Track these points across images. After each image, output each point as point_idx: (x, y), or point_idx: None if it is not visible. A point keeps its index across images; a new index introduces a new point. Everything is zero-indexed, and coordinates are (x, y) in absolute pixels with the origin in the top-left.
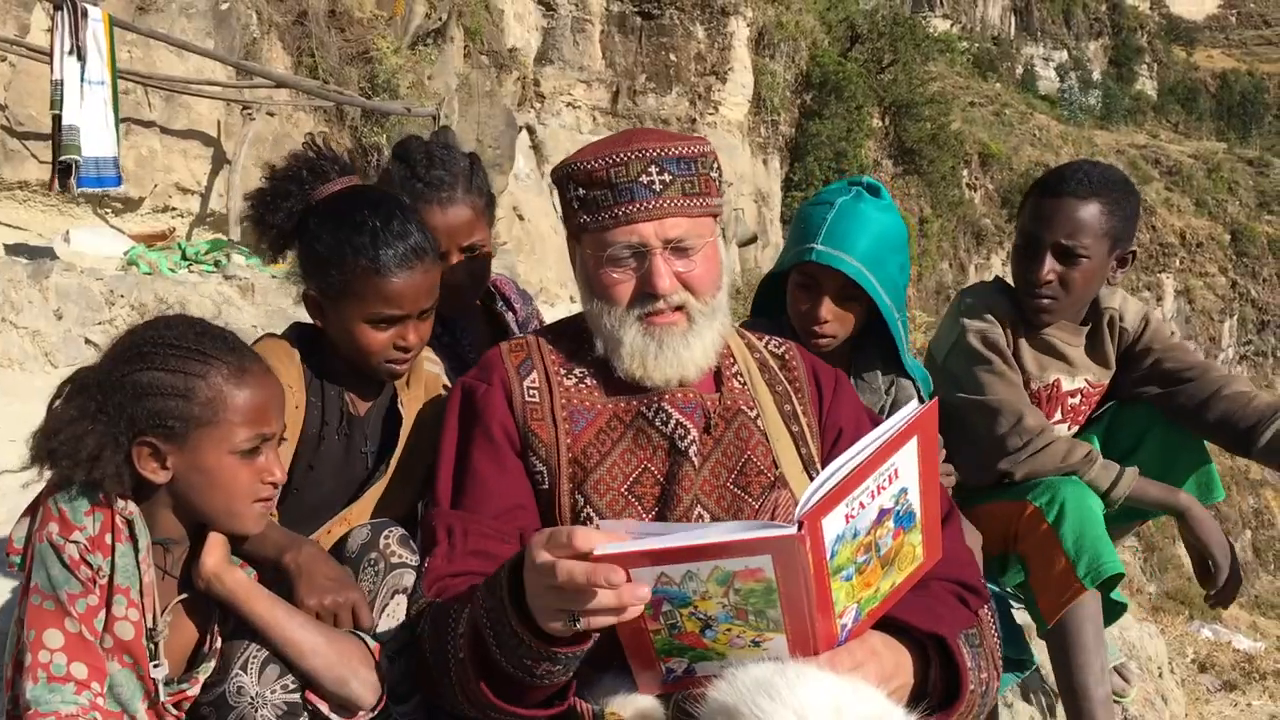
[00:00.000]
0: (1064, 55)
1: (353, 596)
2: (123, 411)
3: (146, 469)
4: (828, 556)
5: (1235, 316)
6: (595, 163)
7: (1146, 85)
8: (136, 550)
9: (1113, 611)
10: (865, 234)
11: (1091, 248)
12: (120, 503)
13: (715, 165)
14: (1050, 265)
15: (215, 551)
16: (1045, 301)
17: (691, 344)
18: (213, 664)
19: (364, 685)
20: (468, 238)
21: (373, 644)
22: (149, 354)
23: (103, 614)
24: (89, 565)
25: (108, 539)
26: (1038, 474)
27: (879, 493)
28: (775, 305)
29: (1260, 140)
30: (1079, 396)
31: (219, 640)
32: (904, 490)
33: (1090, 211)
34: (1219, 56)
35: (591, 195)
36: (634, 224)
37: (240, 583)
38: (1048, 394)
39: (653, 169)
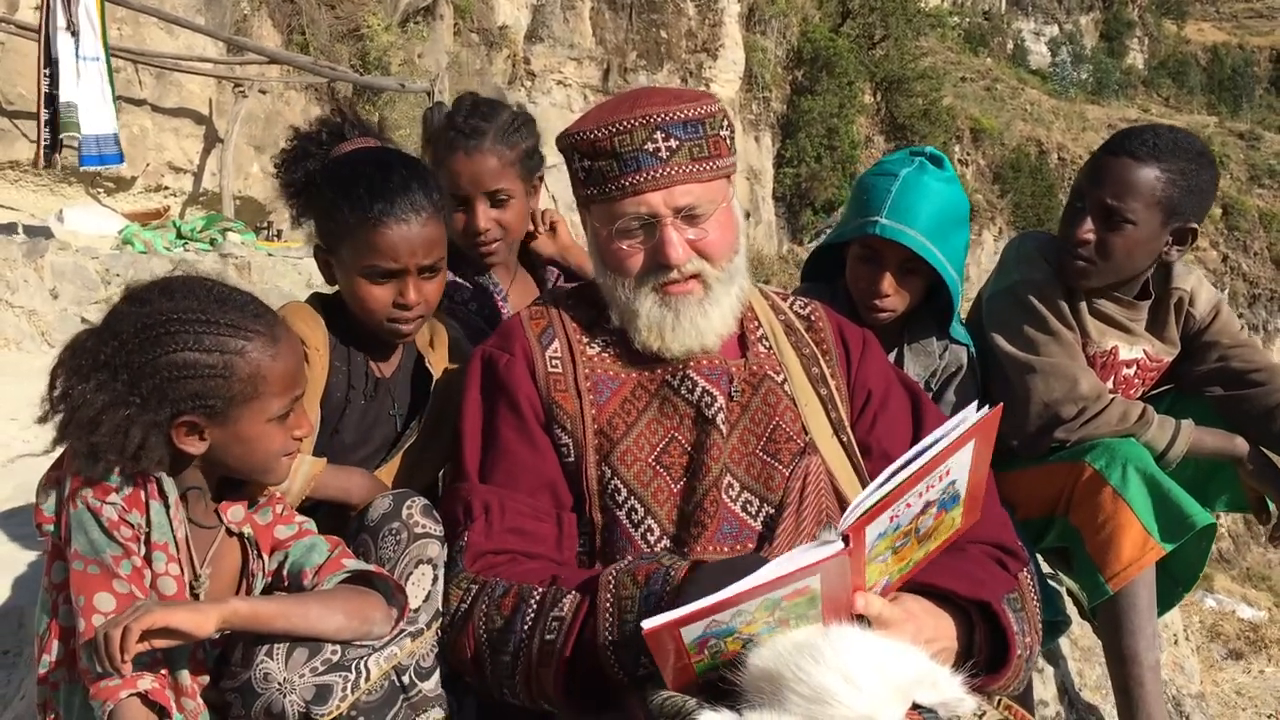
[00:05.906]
0: (1055, 30)
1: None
2: (160, 395)
3: (185, 444)
4: (867, 552)
5: (1226, 291)
6: (598, 132)
7: (1138, 59)
8: (167, 507)
9: (1190, 573)
10: (929, 207)
11: (1139, 214)
12: None
13: (725, 123)
14: (1090, 225)
15: (209, 613)
16: (1079, 264)
17: (709, 312)
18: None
19: (382, 624)
20: (493, 183)
21: (390, 584)
22: (177, 332)
23: (148, 572)
24: (129, 525)
25: (142, 495)
26: (1091, 438)
27: (928, 491)
28: (830, 273)
29: (1251, 114)
30: (1135, 368)
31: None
32: (953, 482)
33: (1145, 175)
34: (1210, 30)
35: (597, 166)
36: (641, 194)
37: (252, 611)
38: (1103, 360)
39: (658, 135)
